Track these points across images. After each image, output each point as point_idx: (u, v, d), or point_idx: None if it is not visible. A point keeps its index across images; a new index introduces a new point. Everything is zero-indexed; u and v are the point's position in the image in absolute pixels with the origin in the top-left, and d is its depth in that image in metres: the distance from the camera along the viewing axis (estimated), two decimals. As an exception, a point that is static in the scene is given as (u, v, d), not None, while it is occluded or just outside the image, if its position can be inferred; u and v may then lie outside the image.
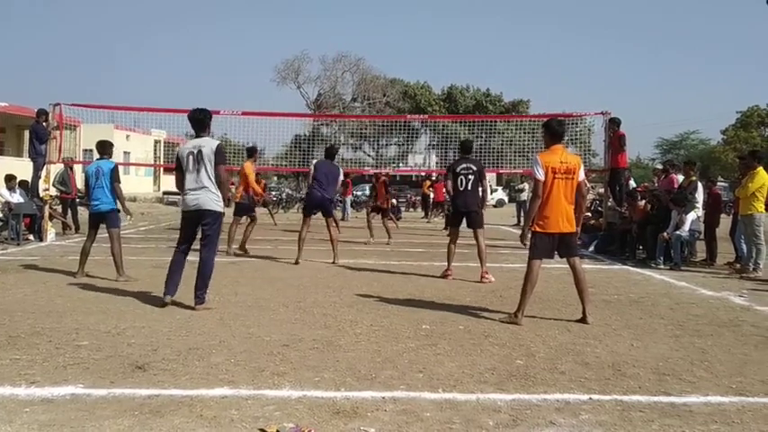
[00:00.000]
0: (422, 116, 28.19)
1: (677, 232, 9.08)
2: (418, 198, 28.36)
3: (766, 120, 51.77)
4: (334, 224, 8.85)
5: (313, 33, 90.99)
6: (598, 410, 3.20)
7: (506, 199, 35.44)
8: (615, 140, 11.19)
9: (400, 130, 28.85)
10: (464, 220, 7.75)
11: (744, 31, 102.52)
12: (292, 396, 3.32)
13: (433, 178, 22.79)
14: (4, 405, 3.13)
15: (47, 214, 11.44)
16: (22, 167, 14.93)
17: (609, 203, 11.66)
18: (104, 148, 7.35)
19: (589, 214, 13.34)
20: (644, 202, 10.34)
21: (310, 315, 5.32)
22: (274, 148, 19.90)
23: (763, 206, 8.43)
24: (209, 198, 5.53)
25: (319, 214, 8.99)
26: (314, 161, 9.52)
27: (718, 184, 17.09)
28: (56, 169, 12.71)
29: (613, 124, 11.31)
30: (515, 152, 15.80)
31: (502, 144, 15.73)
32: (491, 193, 29.48)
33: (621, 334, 4.87)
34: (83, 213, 10.85)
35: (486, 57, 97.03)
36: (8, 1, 79.94)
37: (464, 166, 7.51)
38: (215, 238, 5.68)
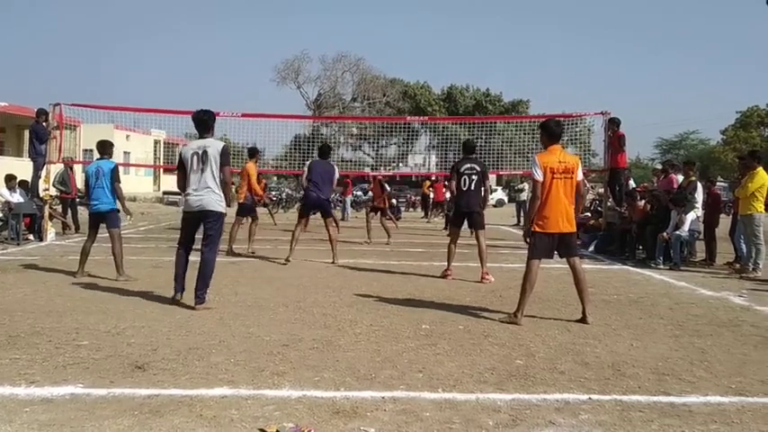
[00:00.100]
0: (421, 118, 28.14)
1: (677, 232, 9.08)
2: (418, 198, 28.37)
3: (766, 120, 51.77)
4: (333, 224, 8.85)
5: (313, 33, 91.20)
6: (598, 410, 3.20)
7: (506, 199, 35.47)
8: (615, 140, 11.20)
9: (400, 130, 28.79)
10: (465, 222, 7.77)
11: (744, 31, 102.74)
12: (292, 396, 3.32)
13: (433, 178, 22.80)
14: (3, 405, 3.13)
15: (47, 214, 11.44)
16: (22, 167, 14.93)
17: (608, 203, 11.67)
18: (104, 148, 7.35)
19: (589, 214, 13.36)
20: (643, 202, 10.35)
21: (310, 315, 5.32)
22: (274, 149, 19.89)
23: (763, 206, 8.44)
24: (213, 199, 5.57)
25: (318, 214, 8.99)
26: (307, 161, 9.47)
27: (718, 184, 17.09)
28: (56, 169, 12.71)
29: (613, 124, 11.32)
30: (515, 152, 15.80)
31: (502, 144, 15.73)
32: (491, 193, 29.41)
33: (621, 334, 4.87)
34: (83, 213, 10.84)
35: (486, 57, 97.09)
36: (8, 1, 79.95)
37: (468, 166, 7.51)
38: (217, 238, 5.71)
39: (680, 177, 10.60)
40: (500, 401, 3.29)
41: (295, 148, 20.85)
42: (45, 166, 11.74)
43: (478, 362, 4.02)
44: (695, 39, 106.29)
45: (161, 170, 37.15)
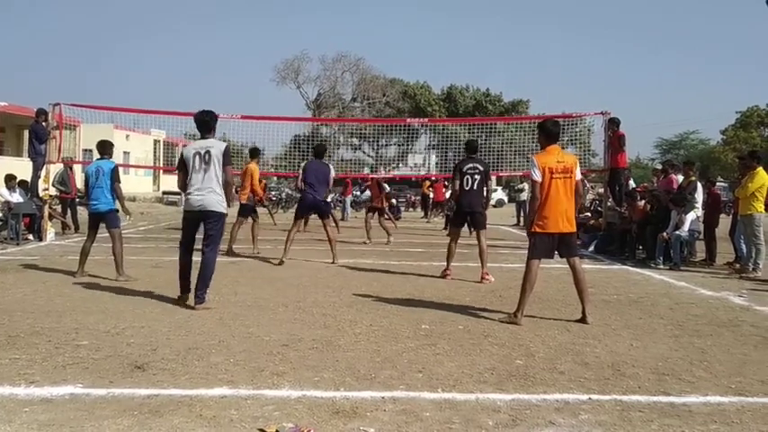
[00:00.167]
0: (421, 120, 28.13)
1: (677, 232, 9.08)
2: (418, 198, 28.37)
3: (766, 120, 51.77)
4: (333, 224, 8.85)
5: (313, 33, 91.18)
6: (597, 410, 3.20)
7: (506, 199, 35.45)
8: (615, 140, 11.21)
9: (400, 130, 28.84)
10: (466, 223, 7.77)
11: (744, 31, 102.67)
12: (292, 396, 3.32)
13: (433, 178, 22.80)
14: (3, 405, 3.12)
15: (46, 214, 11.44)
16: (22, 167, 14.93)
17: (608, 203, 11.67)
18: (105, 148, 7.36)
19: (589, 214, 13.36)
20: (643, 202, 10.35)
21: (310, 315, 5.32)
22: (274, 149, 19.88)
23: (763, 206, 8.44)
24: (214, 199, 5.58)
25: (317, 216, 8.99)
26: (302, 163, 9.45)
27: (718, 184, 17.10)
28: (55, 169, 12.71)
29: (613, 124, 11.32)
30: (515, 152, 15.79)
31: (502, 144, 15.71)
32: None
33: (621, 334, 4.87)
34: (82, 213, 10.84)
35: (486, 57, 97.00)
36: (8, 1, 79.95)
37: (471, 165, 7.50)
38: (218, 238, 5.73)
39: (680, 177, 10.60)
40: (500, 401, 3.29)
41: (295, 148, 20.85)
42: (45, 166, 11.74)
43: (478, 362, 4.01)
44: (695, 39, 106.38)
45: (161, 170, 37.14)
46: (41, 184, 11.64)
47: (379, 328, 4.87)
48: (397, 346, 4.35)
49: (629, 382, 3.66)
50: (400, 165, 45.73)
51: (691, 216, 9.24)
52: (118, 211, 7.26)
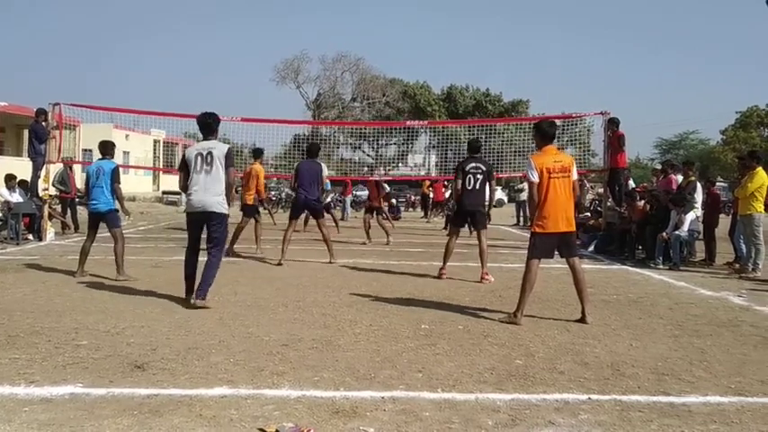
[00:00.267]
0: (421, 122, 28.12)
1: (676, 232, 9.08)
2: (418, 198, 28.36)
3: (765, 120, 51.76)
4: (331, 224, 8.85)
5: (313, 33, 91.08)
6: (597, 410, 3.20)
7: (506, 199, 35.46)
8: (614, 140, 11.21)
9: (400, 130, 28.85)
10: (467, 223, 7.76)
11: (744, 31, 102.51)
12: (291, 396, 3.32)
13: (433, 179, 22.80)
14: (3, 404, 3.13)
15: (46, 214, 11.44)
16: (22, 167, 14.92)
17: (608, 203, 11.67)
18: (106, 148, 7.40)
19: (588, 214, 13.36)
20: (643, 202, 10.35)
21: (309, 315, 5.32)
22: (274, 149, 19.92)
23: (763, 206, 8.44)
24: (215, 200, 5.62)
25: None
26: (296, 164, 9.45)
27: (718, 184, 17.10)
28: (55, 169, 12.71)
29: (612, 124, 11.33)
30: (515, 153, 15.78)
31: (502, 145, 15.71)
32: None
33: (620, 334, 4.87)
34: (82, 213, 10.84)
35: (486, 57, 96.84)
36: (8, 1, 79.91)
37: (473, 165, 7.50)
38: (222, 240, 5.81)
39: (679, 178, 10.60)
40: (499, 401, 3.30)
41: (295, 147, 20.84)
42: (44, 166, 11.73)
43: (478, 362, 4.02)
44: (695, 39, 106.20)
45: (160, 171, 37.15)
46: (41, 184, 11.63)
47: (379, 328, 4.87)
48: (396, 346, 4.35)
49: (629, 382, 3.67)
50: (400, 165, 45.75)
51: (690, 216, 9.24)
52: (118, 210, 7.26)
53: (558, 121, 15.57)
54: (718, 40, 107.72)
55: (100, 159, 7.31)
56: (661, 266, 8.98)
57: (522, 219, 17.48)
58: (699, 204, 9.82)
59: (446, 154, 29.45)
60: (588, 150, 16.47)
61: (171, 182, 32.29)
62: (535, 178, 5.09)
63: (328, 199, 17.90)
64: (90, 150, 21.09)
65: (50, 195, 12.12)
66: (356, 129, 39.16)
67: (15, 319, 4.92)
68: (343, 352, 4.18)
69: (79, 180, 14.71)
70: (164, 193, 30.55)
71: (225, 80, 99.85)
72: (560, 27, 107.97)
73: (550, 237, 5.15)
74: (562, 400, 3.35)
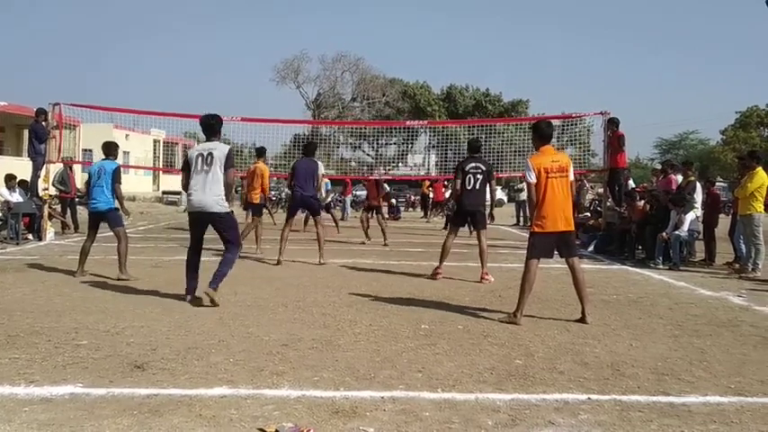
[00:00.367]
0: (420, 122, 28.12)
1: (676, 232, 9.09)
2: (417, 198, 28.36)
3: (765, 120, 51.76)
4: (330, 223, 8.85)
5: (313, 33, 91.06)
6: (597, 410, 3.21)
7: (506, 199, 35.48)
8: (614, 140, 11.22)
9: (400, 130, 28.87)
10: (466, 223, 7.75)
11: (744, 31, 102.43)
12: (291, 395, 3.32)
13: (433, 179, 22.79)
14: (3, 404, 3.13)
15: (46, 214, 11.44)
16: (22, 167, 14.92)
17: (608, 203, 11.67)
18: (110, 149, 7.47)
19: (588, 214, 13.36)
20: (643, 202, 10.36)
21: (309, 315, 5.32)
22: (274, 148, 19.95)
23: (762, 206, 8.44)
24: (213, 200, 5.66)
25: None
26: (292, 162, 9.48)
27: (717, 184, 17.09)
28: (55, 169, 12.72)
29: (612, 124, 11.33)
30: (515, 152, 15.78)
31: (502, 144, 15.71)
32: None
33: (620, 334, 4.87)
34: (82, 213, 10.84)
35: (486, 57, 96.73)
36: (8, 1, 79.88)
37: (473, 165, 7.49)
38: (235, 236, 5.88)
39: (679, 178, 10.61)
40: (499, 401, 3.30)
41: (295, 147, 20.85)
42: (44, 166, 11.74)
43: (478, 362, 4.02)
44: (695, 39, 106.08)
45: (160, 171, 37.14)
46: (41, 184, 11.64)
47: (379, 328, 4.87)
48: (396, 346, 4.35)
49: (629, 382, 3.67)
50: (400, 165, 45.72)
51: (690, 216, 9.24)
52: (118, 210, 7.27)
53: (558, 121, 15.60)
54: (718, 40, 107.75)
55: (103, 160, 7.34)
56: (661, 266, 8.98)
57: (521, 219, 17.49)
58: (698, 204, 9.83)
59: (446, 154, 29.43)
60: (588, 150, 16.46)
61: (171, 182, 32.28)
62: (533, 179, 5.11)
63: (329, 199, 17.90)
64: (90, 150, 21.11)
65: (50, 195, 12.12)
66: (356, 128, 39.14)
67: (15, 319, 4.92)
68: (343, 352, 4.18)
69: (79, 180, 14.71)
70: (164, 193, 30.54)
71: (225, 80, 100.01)
72: (560, 27, 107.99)
73: (549, 236, 5.16)
74: (562, 400, 3.35)
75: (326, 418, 3.03)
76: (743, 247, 8.79)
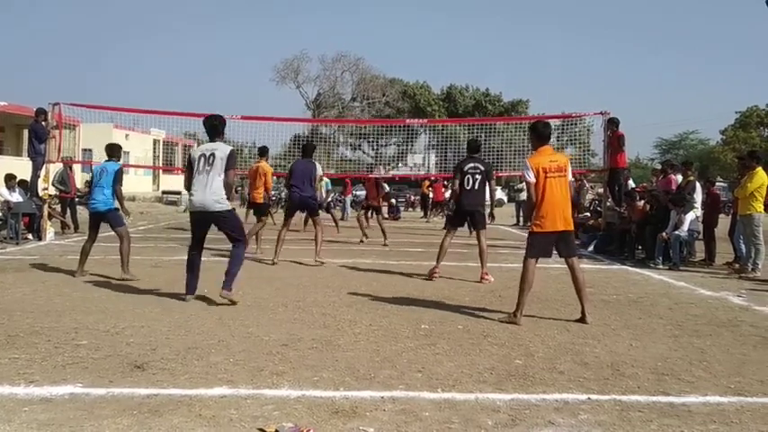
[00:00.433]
0: (420, 120, 28.14)
1: (676, 232, 9.09)
2: (417, 198, 28.36)
3: (765, 120, 51.77)
4: (332, 224, 8.85)
5: (313, 33, 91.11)
6: (597, 410, 3.20)
7: (506, 199, 35.47)
8: (614, 140, 11.21)
9: (400, 130, 28.84)
10: (466, 223, 7.74)
11: (744, 31, 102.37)
12: (291, 395, 3.32)
13: (432, 178, 22.79)
14: (2, 404, 3.12)
15: (46, 214, 11.44)
16: (22, 167, 14.91)
17: (608, 203, 11.67)
18: (113, 151, 7.54)
19: (588, 214, 13.36)
20: (643, 202, 10.36)
21: (309, 315, 5.32)
22: (274, 148, 19.91)
23: (762, 206, 8.45)
24: (213, 199, 5.68)
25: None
26: (290, 164, 9.48)
27: (717, 184, 17.08)
28: (55, 168, 12.72)
29: (612, 124, 11.33)
30: (515, 152, 15.78)
31: (501, 144, 15.71)
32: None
33: (620, 334, 4.87)
34: (82, 213, 10.84)
35: (486, 57, 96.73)
36: (8, 1, 79.87)
37: (472, 165, 7.49)
38: (239, 234, 5.91)
39: (679, 178, 10.61)
40: (499, 401, 3.30)
41: (294, 146, 20.85)
42: (44, 166, 11.74)
43: (478, 362, 4.02)
44: (695, 39, 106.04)
45: (160, 170, 37.13)
46: (41, 184, 11.63)
47: (379, 328, 4.87)
48: (396, 346, 4.35)
49: (629, 382, 3.67)
50: (400, 164, 45.70)
51: (690, 216, 9.24)
52: (118, 209, 7.27)
53: (558, 121, 15.62)
54: (718, 40, 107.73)
55: (106, 161, 7.37)
56: (661, 266, 8.99)
57: (521, 219, 17.49)
58: (698, 204, 9.83)
59: (446, 154, 29.43)
60: (588, 150, 16.47)
61: (171, 182, 32.28)
62: (532, 179, 5.12)
63: (329, 199, 17.90)
64: (90, 150, 21.10)
65: (50, 195, 12.12)
66: (356, 128, 39.14)
67: (15, 319, 4.92)
68: (343, 352, 4.18)
69: (79, 180, 14.71)
70: (164, 192, 30.53)
71: (225, 80, 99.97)
72: (560, 27, 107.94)
73: (548, 236, 5.17)
74: (562, 400, 3.35)
75: (326, 418, 3.03)
76: (743, 247, 8.80)
